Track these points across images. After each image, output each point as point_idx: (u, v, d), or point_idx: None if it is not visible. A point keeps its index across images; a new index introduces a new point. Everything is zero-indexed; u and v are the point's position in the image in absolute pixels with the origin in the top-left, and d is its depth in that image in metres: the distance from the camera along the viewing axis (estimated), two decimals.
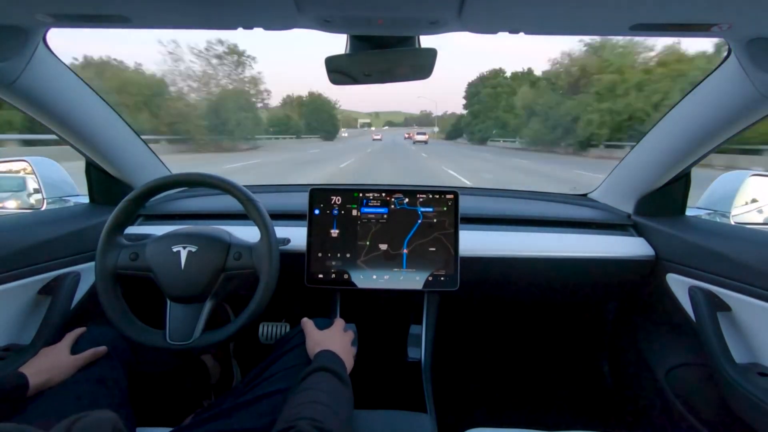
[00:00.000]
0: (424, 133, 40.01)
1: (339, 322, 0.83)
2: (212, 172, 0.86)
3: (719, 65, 0.78)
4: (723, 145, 0.88)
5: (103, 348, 0.77)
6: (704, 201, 1.20)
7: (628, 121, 17.67)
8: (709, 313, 0.86)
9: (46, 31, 0.73)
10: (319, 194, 1.00)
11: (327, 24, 0.60)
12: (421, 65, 0.75)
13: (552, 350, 1.47)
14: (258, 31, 0.62)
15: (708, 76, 0.82)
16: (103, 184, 1.11)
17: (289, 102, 55.07)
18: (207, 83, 25.35)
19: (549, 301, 1.34)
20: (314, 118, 47.55)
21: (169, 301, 0.83)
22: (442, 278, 0.97)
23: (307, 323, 0.80)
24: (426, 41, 0.70)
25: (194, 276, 0.81)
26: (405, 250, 0.98)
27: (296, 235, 1.01)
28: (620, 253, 1.06)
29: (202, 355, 1.13)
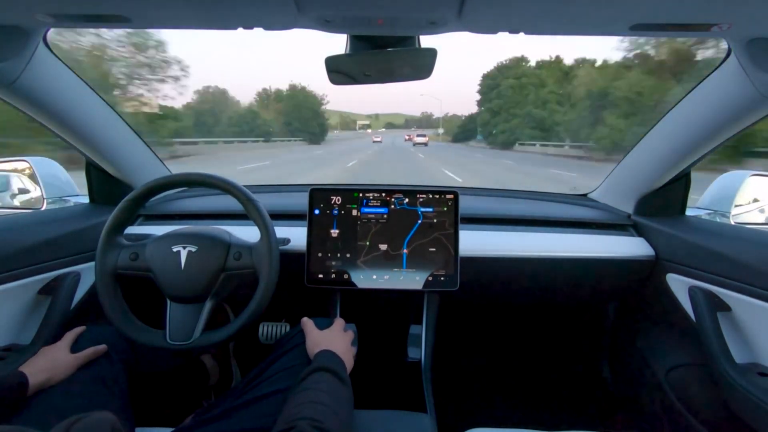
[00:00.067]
0: (424, 135, 39.64)
1: (339, 322, 0.83)
2: (212, 172, 0.86)
3: (719, 65, 0.78)
4: (723, 145, 0.88)
5: (102, 347, 0.77)
6: (704, 201, 1.20)
7: None
8: (709, 313, 0.86)
9: (46, 31, 0.74)
10: (319, 194, 1.00)
11: (327, 24, 0.61)
12: (421, 65, 0.75)
13: (552, 350, 1.47)
14: (258, 31, 0.62)
15: (708, 76, 0.82)
16: (103, 184, 1.11)
17: (266, 97, 44.88)
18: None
19: (549, 301, 1.34)
20: (295, 117, 38.90)
21: (169, 301, 0.83)
22: (442, 278, 0.97)
23: (307, 323, 0.80)
24: (426, 41, 0.70)
25: (194, 276, 0.81)
26: (405, 250, 0.98)
27: (296, 235, 1.01)
28: (620, 253, 1.06)
29: (202, 355, 1.13)
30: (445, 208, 0.99)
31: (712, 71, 0.80)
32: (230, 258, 0.82)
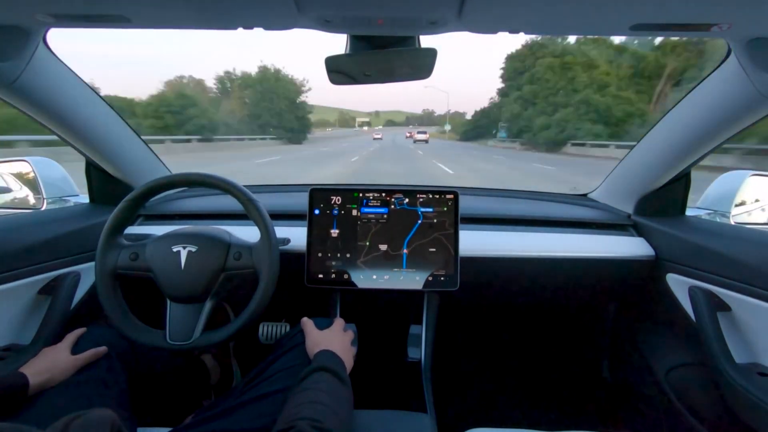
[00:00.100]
0: (424, 132, 39.56)
1: (339, 322, 0.83)
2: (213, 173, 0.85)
3: (719, 65, 0.78)
4: (723, 145, 0.88)
5: (103, 348, 0.77)
6: (704, 201, 1.20)
7: None
8: (709, 313, 0.86)
9: (46, 31, 0.73)
10: (319, 194, 1.00)
11: (327, 24, 0.61)
12: (421, 65, 0.75)
13: (552, 350, 1.47)
14: (258, 31, 0.62)
15: (708, 76, 0.82)
16: (103, 184, 1.11)
17: (228, 82, 33.31)
18: None
19: (549, 301, 1.34)
20: (265, 108, 28.39)
21: (169, 301, 0.83)
22: (442, 278, 0.97)
23: (307, 323, 0.80)
24: (426, 41, 0.70)
25: (194, 276, 0.81)
26: (405, 251, 0.98)
27: (296, 235, 1.01)
28: (620, 253, 1.06)
29: (202, 355, 1.13)
30: (445, 208, 0.99)
31: (712, 71, 0.80)
32: (230, 258, 0.83)
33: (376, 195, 1.00)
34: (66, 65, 0.84)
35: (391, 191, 1.00)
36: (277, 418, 0.55)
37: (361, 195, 1.00)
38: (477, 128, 37.58)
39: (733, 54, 0.71)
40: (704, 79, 0.83)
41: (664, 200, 1.07)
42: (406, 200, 1.00)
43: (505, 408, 1.35)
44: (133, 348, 0.84)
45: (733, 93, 0.76)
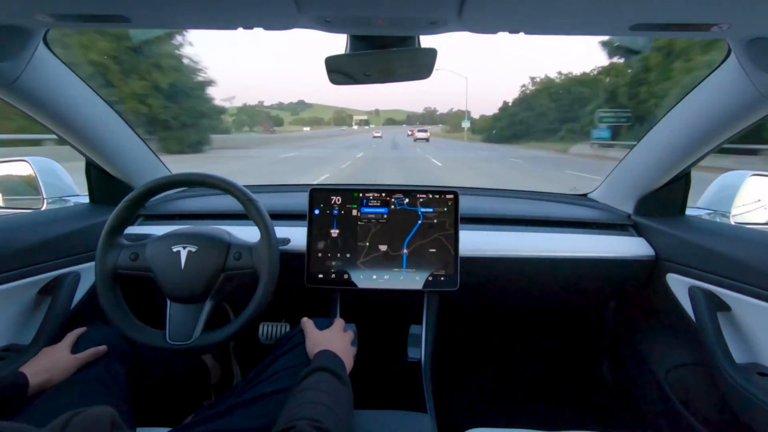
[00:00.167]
0: (425, 131, 39.51)
1: (339, 322, 0.83)
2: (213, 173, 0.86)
3: (719, 65, 0.78)
4: (723, 145, 0.88)
5: (103, 348, 0.77)
6: (704, 201, 1.20)
7: None
8: (709, 313, 0.86)
9: (46, 31, 0.74)
10: (319, 194, 1.00)
11: (327, 24, 0.61)
12: (421, 65, 0.75)
13: (552, 350, 1.47)
14: (258, 31, 0.62)
15: (708, 76, 0.82)
16: (103, 184, 1.11)
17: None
18: None
19: (549, 301, 1.34)
20: (128, 92, 13.43)
21: (169, 301, 0.83)
22: (442, 278, 0.97)
23: (307, 323, 0.80)
24: (426, 41, 0.71)
25: (194, 276, 0.81)
26: (405, 251, 0.98)
27: (296, 235, 1.01)
28: (620, 253, 1.06)
29: (203, 355, 1.13)
30: (445, 208, 0.99)
31: (712, 71, 0.80)
32: (230, 258, 0.82)
33: (376, 195, 1.00)
34: (66, 65, 0.84)
35: (391, 191, 1.00)
36: (277, 418, 0.55)
37: (361, 195, 1.00)
38: (515, 123, 25.70)
39: (733, 54, 0.71)
40: (704, 79, 0.83)
41: (664, 200, 1.07)
42: (406, 200, 1.00)
43: (505, 408, 1.35)
44: (133, 348, 0.84)
45: (733, 93, 0.76)
